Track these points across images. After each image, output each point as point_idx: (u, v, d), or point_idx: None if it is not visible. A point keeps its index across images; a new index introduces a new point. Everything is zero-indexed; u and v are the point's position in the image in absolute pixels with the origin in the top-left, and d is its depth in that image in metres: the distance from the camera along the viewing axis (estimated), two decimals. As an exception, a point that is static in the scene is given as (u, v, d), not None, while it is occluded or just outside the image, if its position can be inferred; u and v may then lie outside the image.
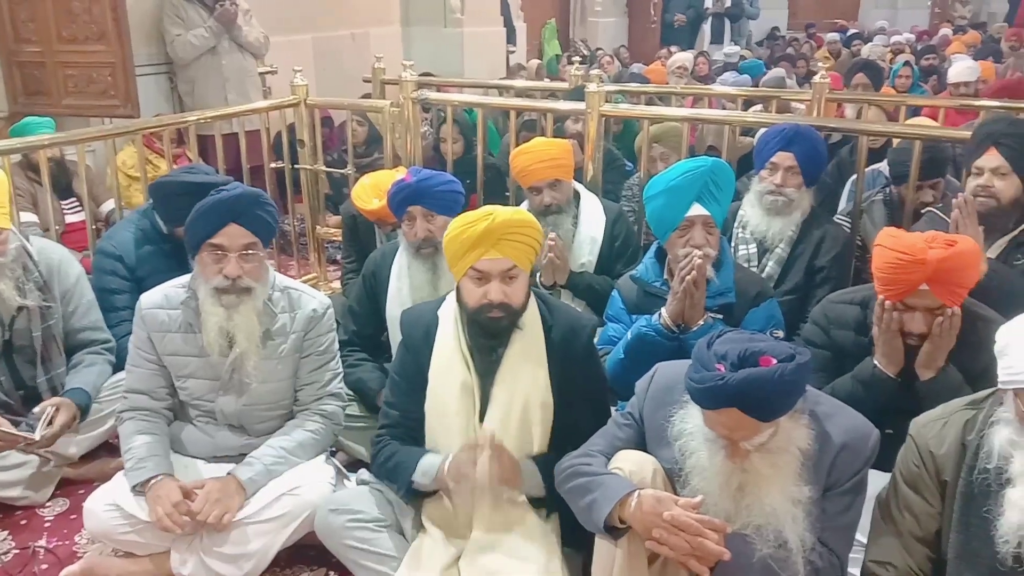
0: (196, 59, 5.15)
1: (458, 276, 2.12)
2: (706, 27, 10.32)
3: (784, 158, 2.87)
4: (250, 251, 2.28)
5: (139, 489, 2.22)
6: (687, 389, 1.70)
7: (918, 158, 3.01)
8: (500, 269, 2.06)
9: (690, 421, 1.75)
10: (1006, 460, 1.57)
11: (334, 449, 2.66)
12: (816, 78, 4.07)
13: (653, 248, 2.60)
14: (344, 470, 2.49)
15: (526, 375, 2.11)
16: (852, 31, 13.34)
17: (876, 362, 2.13)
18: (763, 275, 2.90)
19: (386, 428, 2.24)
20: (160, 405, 2.41)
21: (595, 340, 2.29)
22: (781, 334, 2.44)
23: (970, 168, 2.60)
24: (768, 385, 1.58)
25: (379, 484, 2.25)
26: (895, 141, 3.51)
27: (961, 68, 6.17)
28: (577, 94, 4.08)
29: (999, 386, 1.61)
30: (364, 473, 2.36)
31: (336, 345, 2.51)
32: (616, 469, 1.82)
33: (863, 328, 2.23)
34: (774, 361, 1.60)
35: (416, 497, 2.16)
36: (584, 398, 2.18)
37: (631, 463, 1.83)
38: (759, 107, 4.88)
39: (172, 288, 2.39)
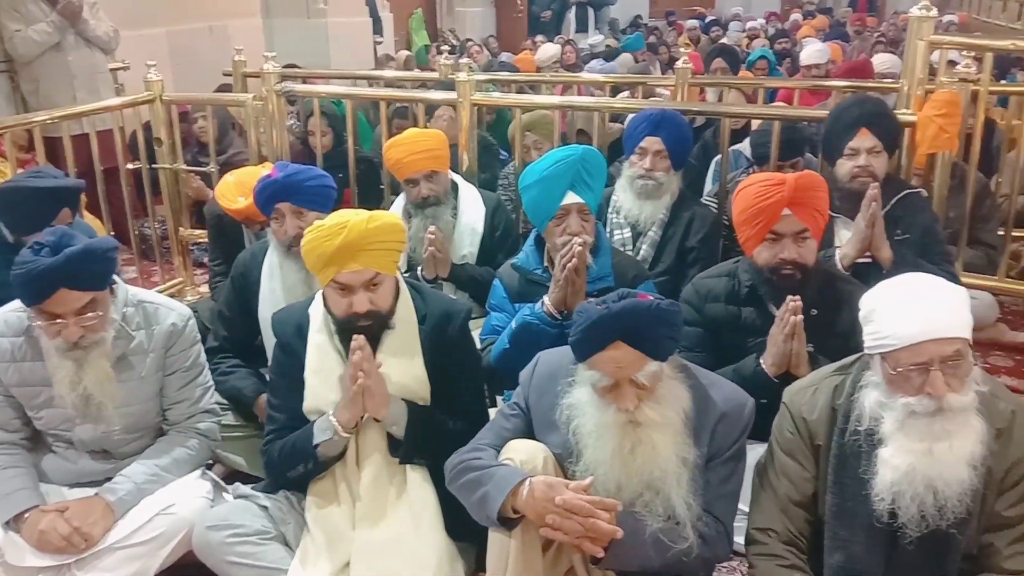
0: (39, 56, 4.79)
1: (322, 284, 2.07)
2: (571, 16, 10.46)
3: (652, 143, 2.93)
4: (89, 311, 2.03)
5: (12, 525, 2.04)
6: (571, 346, 1.76)
7: (778, 138, 3.14)
8: (362, 280, 2.02)
9: (577, 395, 1.79)
10: (876, 421, 1.64)
11: (210, 462, 2.53)
12: (678, 64, 4.17)
13: (532, 236, 2.60)
14: (222, 483, 2.37)
15: (400, 370, 2.08)
16: (710, 18, 13.88)
17: (762, 361, 2.21)
18: (638, 258, 2.95)
19: (274, 432, 2.16)
20: (16, 436, 2.20)
21: (470, 326, 2.28)
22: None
23: (842, 151, 2.70)
24: (646, 313, 1.69)
25: (260, 496, 2.17)
26: (755, 123, 3.65)
27: (812, 51, 6.48)
28: (448, 84, 4.05)
29: (865, 351, 1.68)
30: (242, 487, 2.26)
31: (203, 357, 2.35)
32: (507, 460, 1.82)
33: (733, 297, 2.35)
34: (651, 297, 1.73)
35: (323, 468, 2.09)
36: (460, 382, 2.18)
37: (521, 453, 1.82)
38: (626, 93, 4.98)
39: (11, 312, 2.14)
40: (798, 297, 2.13)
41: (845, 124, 2.70)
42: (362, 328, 2.02)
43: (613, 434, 1.73)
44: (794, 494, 1.77)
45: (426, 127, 3.59)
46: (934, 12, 2.96)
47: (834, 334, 2.21)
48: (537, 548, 1.77)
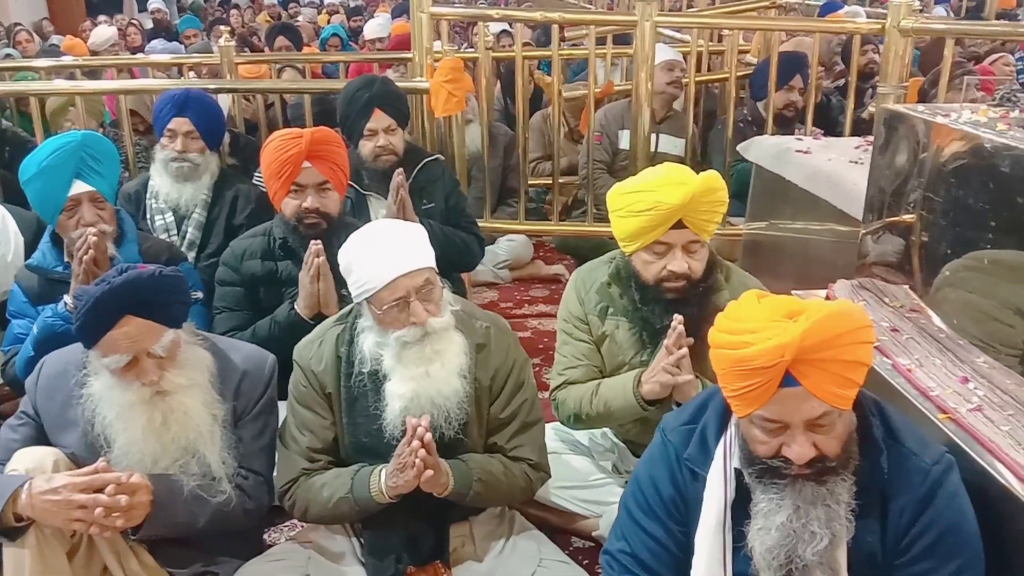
0: None
1: None
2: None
3: (180, 123, 2.87)
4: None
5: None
6: (77, 333, 1.72)
7: (309, 112, 3.26)
8: None
9: (95, 384, 1.75)
10: (377, 361, 1.81)
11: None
12: (220, 42, 4.11)
13: (47, 233, 2.44)
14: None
15: None
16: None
17: (295, 306, 2.32)
18: (187, 242, 2.91)
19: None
20: None
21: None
22: (200, 294, 2.49)
23: (362, 132, 2.86)
24: (150, 282, 1.69)
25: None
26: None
27: (373, 25, 6.77)
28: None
29: (354, 300, 1.85)
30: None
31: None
32: (11, 471, 1.71)
33: (269, 254, 2.47)
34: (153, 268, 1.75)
35: None
36: None
37: (27, 460, 1.74)
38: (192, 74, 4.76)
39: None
40: (319, 241, 2.29)
41: (359, 107, 2.86)
42: None
43: (140, 411, 1.73)
44: (316, 443, 1.89)
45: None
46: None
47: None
48: (60, 553, 1.71)
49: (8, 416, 2.03)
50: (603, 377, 2.10)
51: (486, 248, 3.76)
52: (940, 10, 9.36)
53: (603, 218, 3.72)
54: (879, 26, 3.21)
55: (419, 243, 1.82)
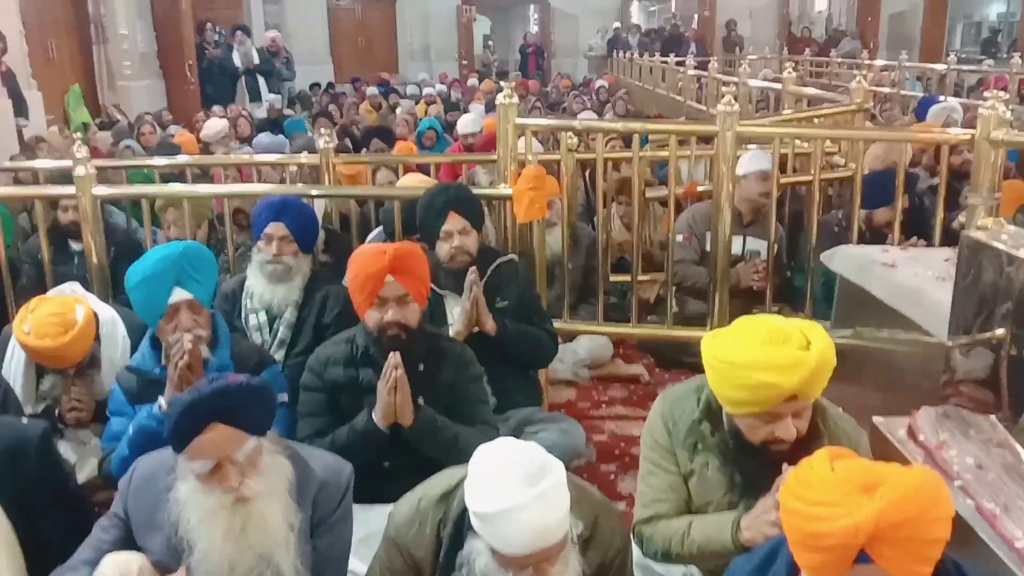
0: None
1: None
2: (242, 85, 10.35)
3: (276, 228, 3.04)
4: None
5: None
6: (169, 438, 1.79)
7: (399, 216, 3.40)
8: None
9: (182, 488, 1.82)
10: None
11: None
12: (320, 143, 4.33)
13: (147, 336, 2.60)
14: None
15: None
16: (395, 84, 14.41)
17: (373, 414, 2.40)
18: (277, 340, 3.05)
19: None
20: None
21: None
22: (285, 397, 2.60)
23: (438, 234, 2.99)
24: (237, 392, 1.78)
25: None
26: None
27: (466, 120, 6.95)
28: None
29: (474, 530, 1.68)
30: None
31: None
32: (99, 576, 1.80)
33: (351, 361, 2.53)
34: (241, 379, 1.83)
35: None
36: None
37: (114, 566, 1.82)
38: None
39: None
40: (398, 352, 2.34)
41: (436, 211, 3.00)
42: None
43: (222, 517, 1.78)
44: None
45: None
46: (515, 99, 3.39)
47: (439, 387, 2.49)
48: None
49: (105, 506, 2.14)
50: (690, 512, 2.02)
51: (566, 346, 3.82)
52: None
53: (683, 321, 3.77)
54: (968, 136, 3.16)
55: (562, 510, 1.61)
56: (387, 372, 2.35)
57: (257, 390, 1.84)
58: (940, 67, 10.09)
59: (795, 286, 3.95)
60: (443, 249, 3.00)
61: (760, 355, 1.76)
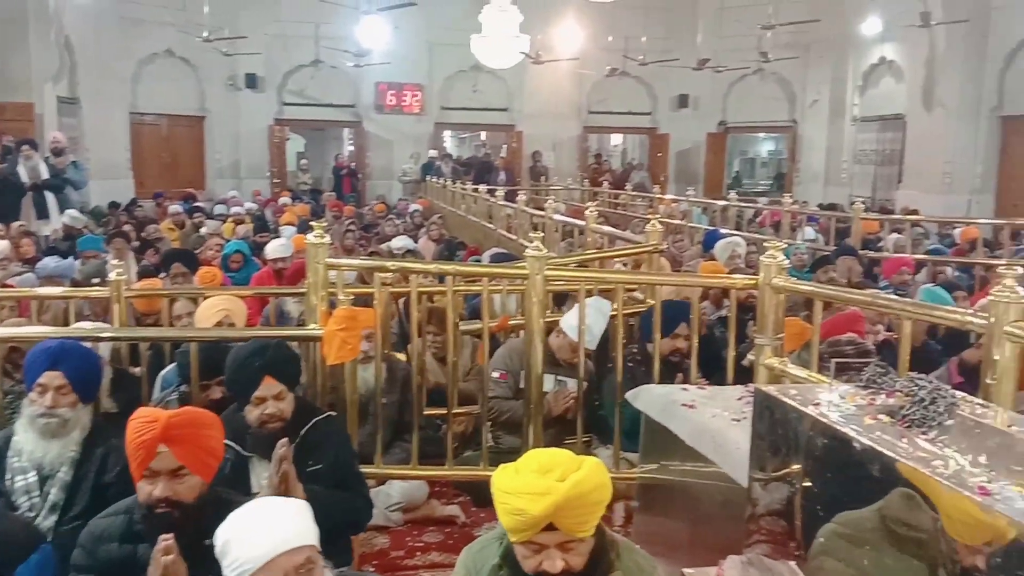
0: None
1: None
2: (28, 201, 9.54)
3: (52, 377, 2.74)
4: None
5: None
6: None
7: (196, 359, 3.18)
8: None
9: None
10: None
11: None
12: (112, 275, 4.01)
13: None
14: None
15: None
16: (201, 200, 13.87)
17: None
18: (48, 503, 2.71)
19: None
20: None
21: None
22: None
23: (249, 399, 2.77)
24: None
25: None
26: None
27: (276, 245, 6.72)
28: None
29: None
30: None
31: None
32: None
33: (128, 536, 2.30)
34: None
35: None
36: None
37: None
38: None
39: None
40: (171, 537, 2.08)
41: (249, 373, 2.79)
42: None
43: None
44: None
45: None
46: (326, 239, 3.34)
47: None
48: None
49: None
50: None
51: (378, 489, 3.65)
52: (810, 231, 10.18)
53: (498, 455, 3.71)
54: (753, 282, 3.43)
55: (299, 519, 1.78)
56: (156, 556, 2.08)
57: None
58: (721, 203, 11.20)
59: (604, 419, 4.05)
60: (254, 414, 2.81)
61: (517, 482, 1.84)
